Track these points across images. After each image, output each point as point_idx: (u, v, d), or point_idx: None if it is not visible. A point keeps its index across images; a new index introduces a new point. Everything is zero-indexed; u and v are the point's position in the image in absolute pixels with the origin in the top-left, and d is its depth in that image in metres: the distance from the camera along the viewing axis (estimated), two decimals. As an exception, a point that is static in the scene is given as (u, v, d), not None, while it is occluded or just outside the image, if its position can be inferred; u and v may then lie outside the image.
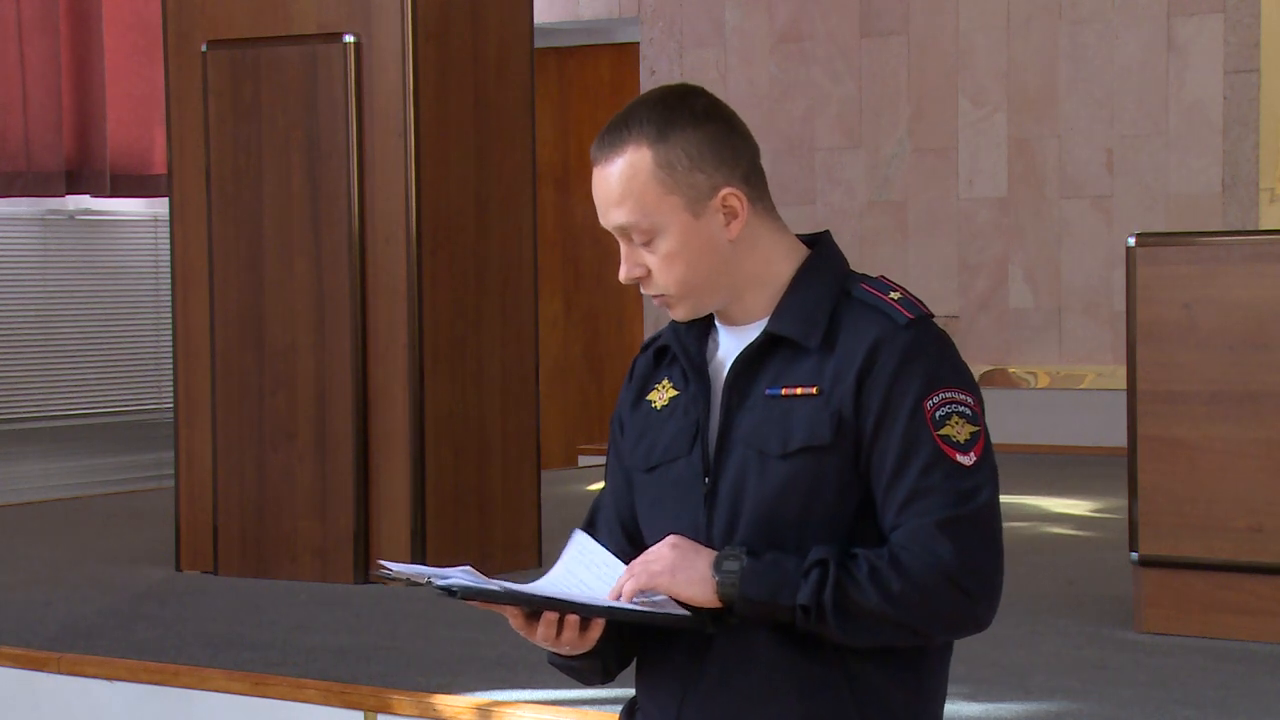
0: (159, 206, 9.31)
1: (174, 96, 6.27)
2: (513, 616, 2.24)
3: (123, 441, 9.60)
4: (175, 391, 6.30)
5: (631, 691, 2.41)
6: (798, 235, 2.38)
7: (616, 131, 2.30)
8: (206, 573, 6.14)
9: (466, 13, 6.05)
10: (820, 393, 2.25)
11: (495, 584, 2.23)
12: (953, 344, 2.31)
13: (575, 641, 2.24)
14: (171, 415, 6.40)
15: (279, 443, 5.98)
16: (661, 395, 2.39)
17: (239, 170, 6.02)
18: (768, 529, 2.24)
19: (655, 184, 2.27)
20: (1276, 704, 4.15)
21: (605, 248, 10.98)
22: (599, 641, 2.27)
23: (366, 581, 5.87)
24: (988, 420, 2.32)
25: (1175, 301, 4.80)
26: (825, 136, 9.87)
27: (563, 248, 11.09)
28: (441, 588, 2.21)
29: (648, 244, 2.29)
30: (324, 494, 5.92)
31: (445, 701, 4.32)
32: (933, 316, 2.30)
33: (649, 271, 2.30)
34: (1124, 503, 4.98)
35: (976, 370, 9.30)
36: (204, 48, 6.07)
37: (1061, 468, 8.58)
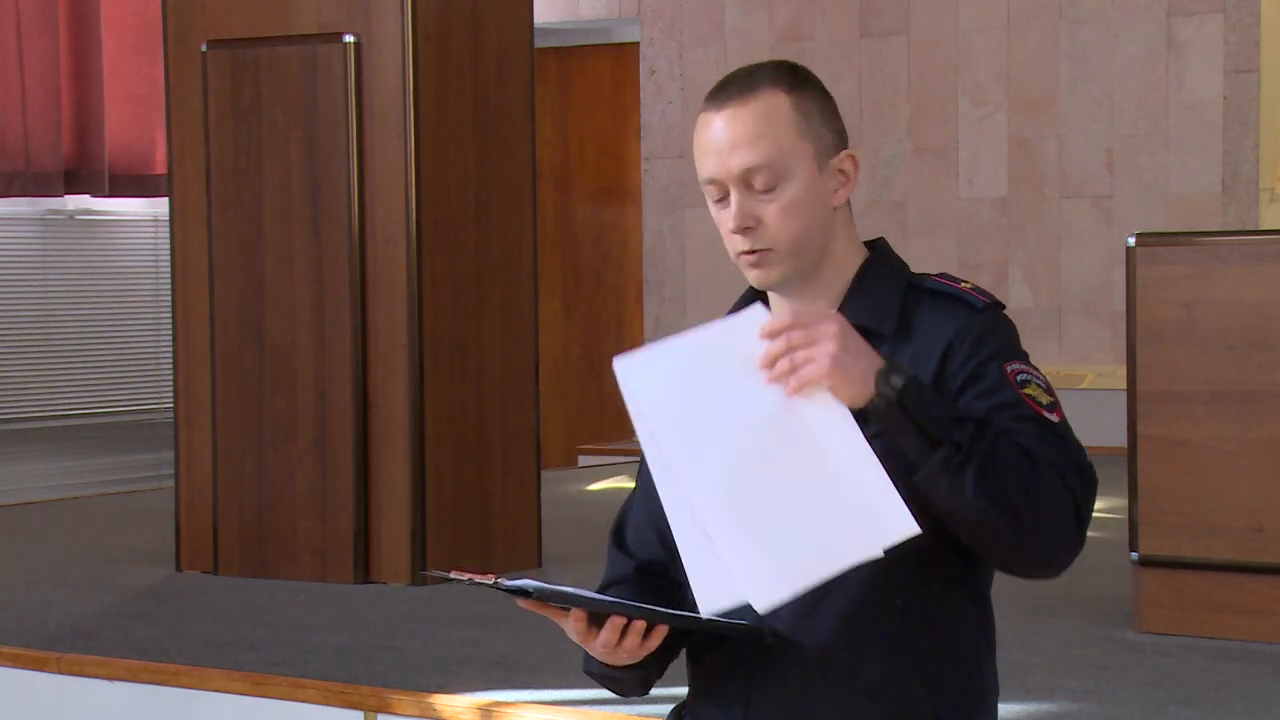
0: (159, 206, 9.31)
1: (174, 96, 6.27)
2: (575, 621, 2.18)
3: (123, 441, 9.60)
4: (175, 391, 6.30)
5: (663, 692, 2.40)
6: None
7: (746, 79, 2.28)
8: (206, 573, 6.13)
9: (466, 13, 6.05)
10: None
11: (567, 588, 2.16)
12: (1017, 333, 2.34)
13: (635, 649, 2.19)
14: (171, 415, 6.40)
15: (279, 443, 5.98)
16: None
17: (239, 170, 6.02)
18: None
19: (793, 126, 2.26)
20: (1276, 704, 4.15)
21: (605, 248, 10.99)
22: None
23: (366, 581, 5.87)
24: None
25: (1175, 301, 4.80)
26: (825, 136, 9.86)
27: (563, 248, 11.09)
28: (511, 589, 2.14)
29: (768, 191, 2.26)
30: (324, 494, 5.92)
31: (445, 701, 4.32)
32: (1004, 306, 2.32)
33: (760, 222, 2.26)
34: (1124, 503, 4.98)
35: (976, 370, 9.31)
36: (204, 48, 6.07)
37: (1061, 468, 8.57)
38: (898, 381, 2.10)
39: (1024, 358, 2.28)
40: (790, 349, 2.10)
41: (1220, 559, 4.78)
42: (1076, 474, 2.17)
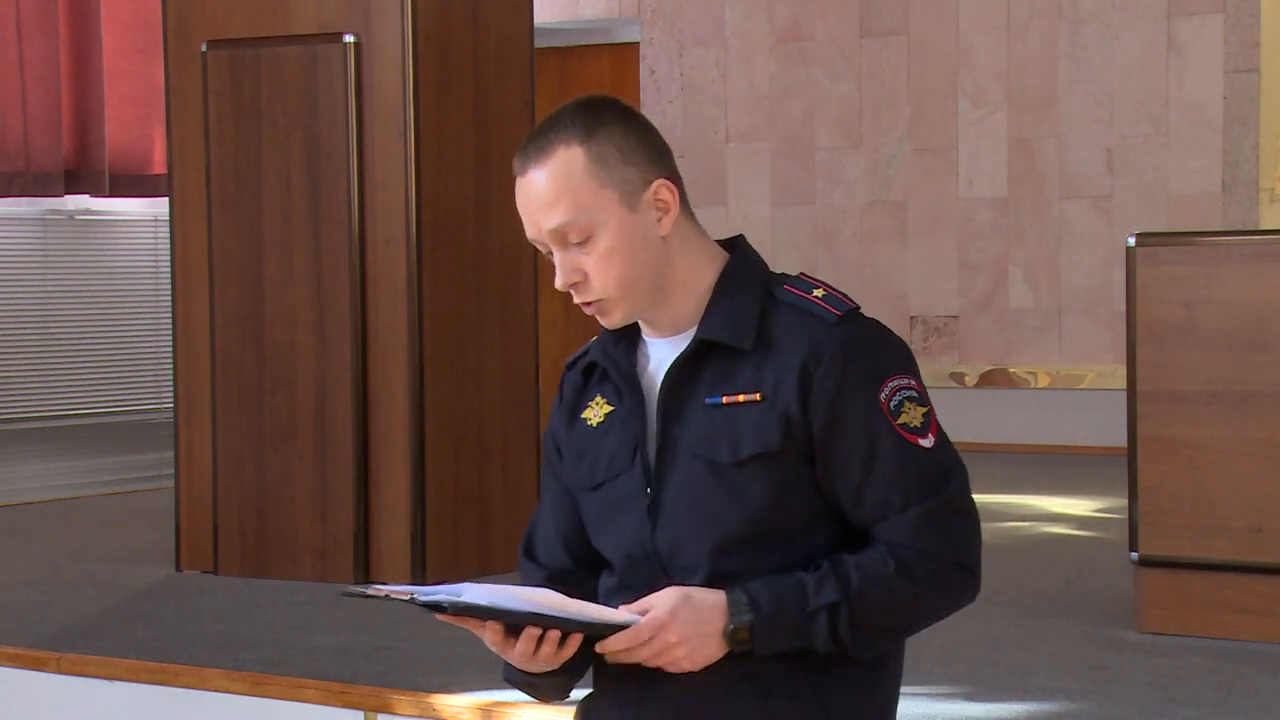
0: (159, 206, 9.30)
1: (174, 96, 6.27)
2: (491, 632, 2.22)
3: (123, 441, 9.59)
4: (175, 391, 6.30)
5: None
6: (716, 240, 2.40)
7: (542, 137, 2.30)
8: (206, 573, 6.14)
9: (466, 13, 6.05)
10: (764, 398, 2.26)
11: (484, 598, 2.20)
12: (885, 329, 2.33)
13: (551, 658, 2.23)
14: (171, 415, 6.40)
15: (279, 443, 5.98)
16: (596, 412, 2.39)
17: (239, 170, 6.02)
18: (724, 535, 2.26)
19: (590, 179, 2.27)
20: (1276, 704, 4.15)
21: (605, 248, 10.97)
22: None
23: (367, 581, 5.87)
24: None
25: (1175, 301, 4.80)
26: (825, 136, 9.87)
27: (563, 248, 11.08)
28: (426, 604, 2.19)
29: (583, 244, 2.28)
30: (324, 494, 5.92)
31: (445, 701, 4.32)
32: (858, 308, 2.31)
33: (586, 276, 2.29)
34: (1124, 503, 4.98)
35: (976, 370, 9.31)
36: (204, 48, 6.07)
37: (1061, 468, 8.58)
38: (744, 635, 2.21)
39: (892, 367, 2.28)
40: (648, 660, 2.22)
41: (1220, 559, 4.77)
42: (951, 520, 2.26)
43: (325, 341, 5.91)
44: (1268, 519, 4.72)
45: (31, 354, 9.34)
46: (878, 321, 2.33)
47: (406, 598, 2.19)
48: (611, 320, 2.32)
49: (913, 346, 9.67)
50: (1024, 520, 6.98)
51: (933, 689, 4.28)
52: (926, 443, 2.26)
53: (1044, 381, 9.29)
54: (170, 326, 6.38)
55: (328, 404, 5.91)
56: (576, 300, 2.31)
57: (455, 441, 5.99)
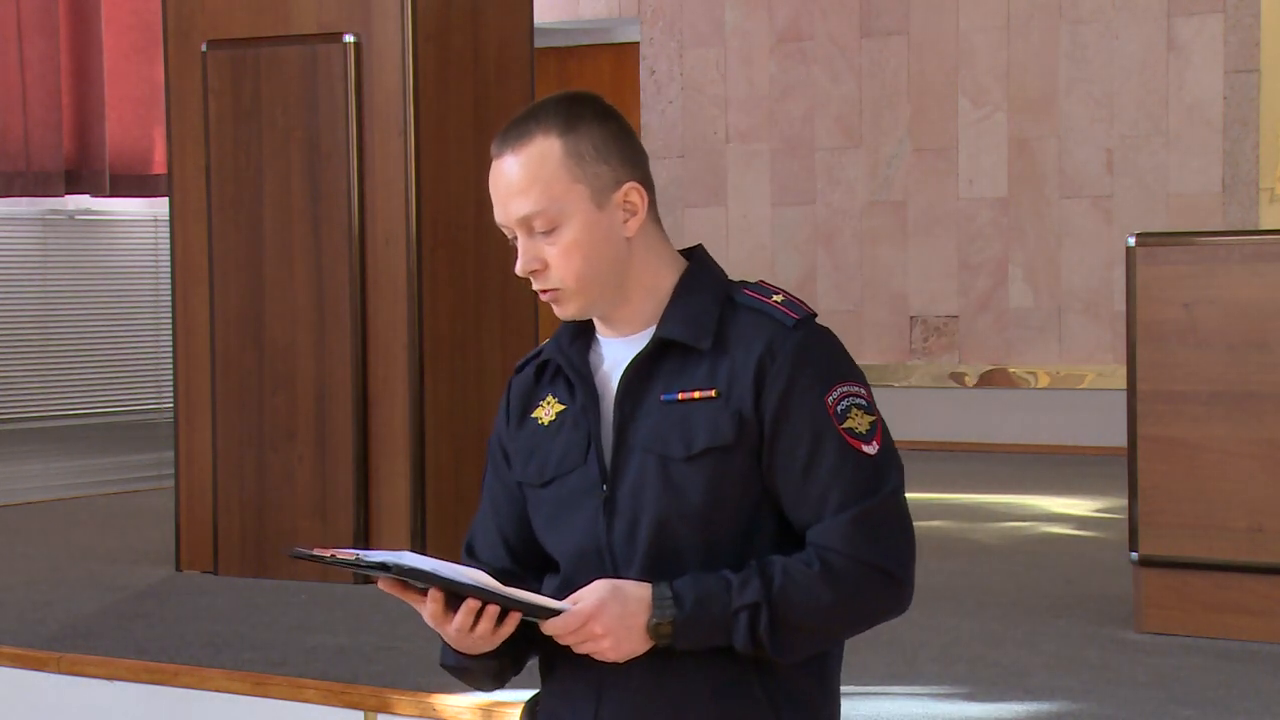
0: (159, 206, 9.31)
1: (174, 96, 6.27)
2: (432, 602, 2.27)
3: (123, 441, 9.59)
4: (175, 391, 6.30)
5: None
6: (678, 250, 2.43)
7: (523, 124, 2.35)
8: (206, 573, 6.14)
9: (466, 13, 6.05)
10: (719, 395, 2.29)
11: (426, 565, 2.24)
12: (838, 339, 2.37)
13: (488, 635, 2.27)
14: (171, 415, 6.40)
15: (279, 443, 5.98)
16: (547, 411, 2.42)
17: (239, 170, 6.02)
18: (672, 530, 2.28)
19: (563, 172, 2.31)
20: (1276, 704, 4.15)
21: (605, 248, 10.98)
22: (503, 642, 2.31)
23: (367, 581, 5.87)
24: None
25: (1175, 301, 4.80)
26: (825, 136, 9.87)
27: (563, 248, 11.09)
28: (372, 564, 2.24)
29: (549, 234, 2.31)
30: (324, 494, 5.92)
31: (445, 701, 4.32)
32: (815, 315, 2.35)
33: (546, 265, 2.32)
34: (1124, 503, 4.98)
35: (976, 370, 9.31)
36: (204, 48, 6.07)
37: (1061, 468, 8.58)
38: (666, 630, 2.25)
39: (844, 374, 2.32)
40: (576, 648, 2.27)
41: (1220, 559, 4.78)
42: (880, 526, 2.27)
43: (325, 341, 5.92)
44: (1268, 519, 4.72)
45: (31, 354, 9.34)
46: (831, 331, 2.36)
47: (351, 559, 2.25)
48: (565, 311, 2.36)
49: (912, 347, 9.71)
50: (1024, 520, 6.98)
51: (933, 689, 4.29)
52: (869, 449, 2.28)
53: (1044, 381, 9.29)
54: (170, 326, 6.38)
55: (328, 404, 5.91)
56: (535, 287, 2.35)
57: (455, 441, 5.99)
